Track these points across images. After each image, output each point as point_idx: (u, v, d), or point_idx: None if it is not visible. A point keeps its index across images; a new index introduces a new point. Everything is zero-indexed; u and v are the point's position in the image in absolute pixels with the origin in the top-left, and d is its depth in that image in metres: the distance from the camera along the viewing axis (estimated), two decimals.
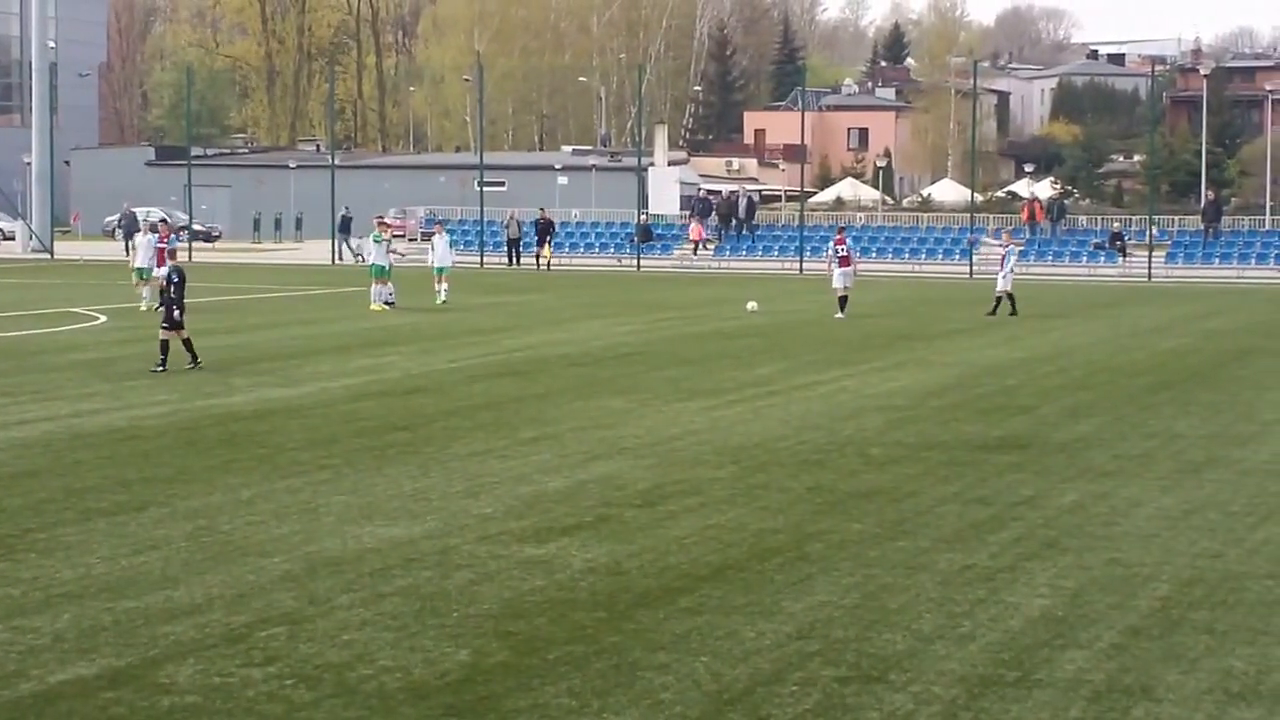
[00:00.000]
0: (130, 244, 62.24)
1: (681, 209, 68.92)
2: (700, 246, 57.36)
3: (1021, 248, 36.17)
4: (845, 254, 33.20)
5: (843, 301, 32.57)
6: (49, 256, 62.03)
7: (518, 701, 8.00)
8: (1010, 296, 32.88)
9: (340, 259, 58.80)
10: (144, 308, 31.53)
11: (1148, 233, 54.44)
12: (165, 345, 21.66)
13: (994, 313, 32.56)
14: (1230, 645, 9.01)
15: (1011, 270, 33.51)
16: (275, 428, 16.85)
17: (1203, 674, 8.50)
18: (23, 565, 10.72)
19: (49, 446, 15.58)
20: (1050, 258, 55.21)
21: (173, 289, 21.74)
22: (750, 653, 8.81)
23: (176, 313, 21.68)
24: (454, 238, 62.01)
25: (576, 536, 11.66)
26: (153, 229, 35.52)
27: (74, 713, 7.83)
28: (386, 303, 34.68)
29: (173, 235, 34.85)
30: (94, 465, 14.53)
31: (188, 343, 21.86)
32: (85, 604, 9.72)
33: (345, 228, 61.77)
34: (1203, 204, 59.30)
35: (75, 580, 10.32)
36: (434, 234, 39.56)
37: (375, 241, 35.46)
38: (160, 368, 21.49)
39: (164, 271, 32.61)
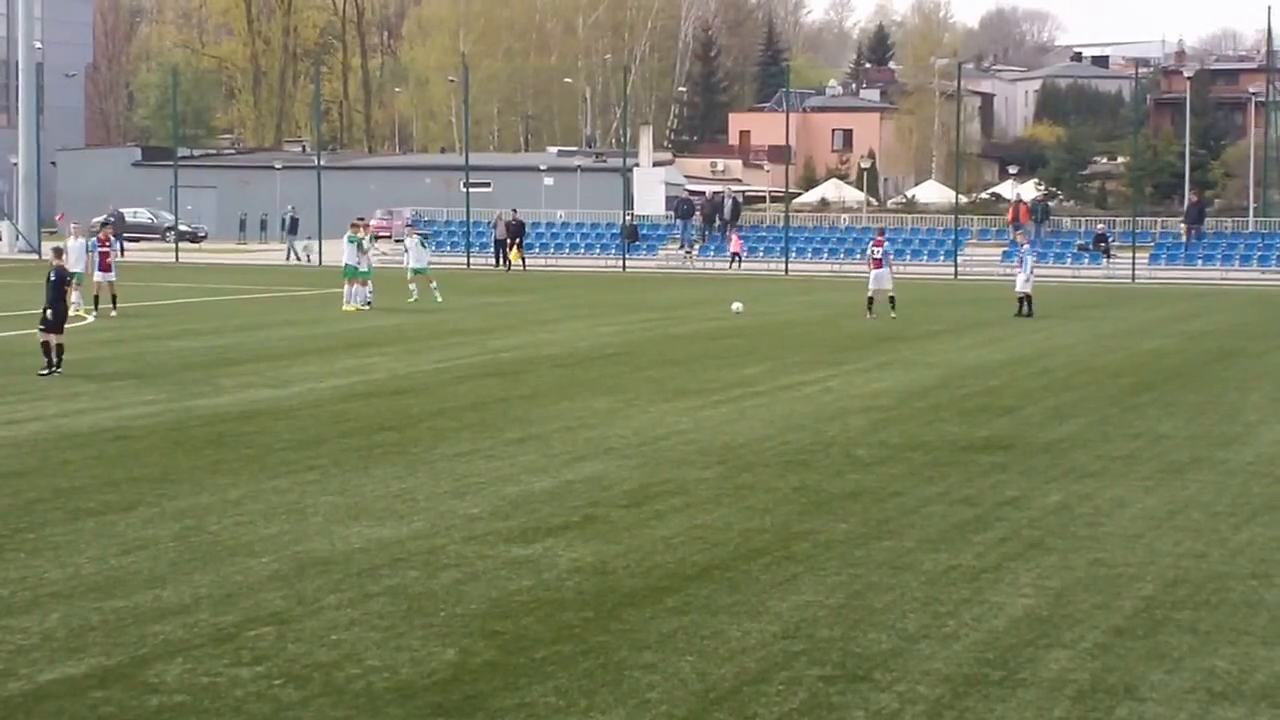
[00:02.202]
0: (118, 245, 62.63)
1: (667, 209, 68.96)
2: (737, 260, 55.48)
3: (1028, 245, 36.18)
4: (879, 256, 33.17)
5: (870, 302, 32.37)
6: (36, 257, 61.90)
7: (504, 700, 8.04)
8: (1028, 298, 33.01)
9: (309, 260, 58.89)
10: (76, 311, 29.63)
11: (1128, 235, 54.60)
12: (47, 347, 21.34)
13: (1026, 313, 32.63)
14: (1213, 645, 9.08)
15: (1032, 271, 33.62)
16: (263, 428, 16.86)
17: (1186, 674, 8.56)
18: (11, 565, 10.74)
19: (37, 446, 15.59)
20: (1034, 259, 55.28)
21: (52, 290, 21.37)
22: (736, 652, 8.86)
23: (50, 314, 21.31)
24: (440, 239, 62.57)
25: (563, 536, 11.70)
26: (92, 232, 35.19)
27: (63, 712, 7.85)
28: (365, 303, 34.73)
29: (112, 240, 34.38)
30: (82, 465, 14.54)
31: (59, 348, 21.40)
32: (74, 603, 9.74)
33: (293, 228, 62.62)
34: (1186, 206, 59.56)
35: (64, 580, 10.33)
36: (406, 237, 39.90)
37: (349, 242, 35.51)
38: (47, 371, 21.14)
39: (110, 276, 32.45)
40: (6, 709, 7.91)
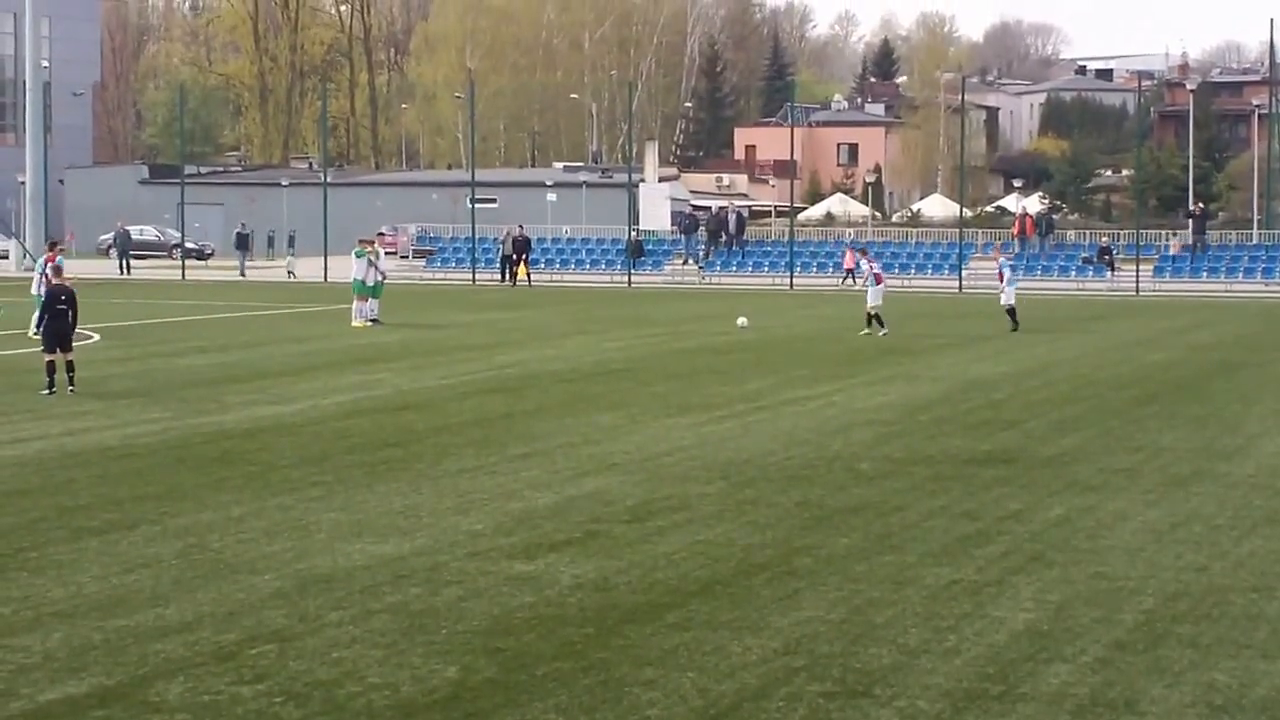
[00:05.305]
0: (124, 262, 62.97)
1: (672, 225, 69.05)
2: (850, 276, 52.69)
3: (1009, 260, 35.85)
4: (880, 271, 32.93)
5: (870, 318, 31.72)
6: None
7: (505, 718, 8.05)
8: (1011, 311, 32.81)
9: (292, 276, 60.00)
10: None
11: (1132, 248, 54.53)
12: (52, 366, 21.28)
13: (1016, 328, 32.48)
14: (1214, 659, 9.08)
15: (1010, 284, 33.35)
16: (267, 445, 16.90)
17: (1186, 687, 8.56)
18: (14, 584, 10.77)
19: (42, 465, 15.63)
20: (1039, 272, 55.39)
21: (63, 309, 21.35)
22: (737, 668, 8.87)
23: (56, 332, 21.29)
24: (445, 255, 62.87)
25: (565, 552, 11.72)
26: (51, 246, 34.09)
27: None
28: (371, 320, 34.80)
29: (59, 258, 33.35)
30: (86, 484, 14.57)
31: (70, 364, 21.40)
32: (76, 622, 9.77)
33: (242, 244, 64.05)
34: (1191, 217, 59.50)
35: (66, 599, 10.36)
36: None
37: (357, 257, 35.70)
38: (49, 390, 21.13)
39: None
40: None
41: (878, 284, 32.30)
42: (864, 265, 33.61)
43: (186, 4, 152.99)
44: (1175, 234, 61.74)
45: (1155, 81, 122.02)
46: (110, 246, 71.85)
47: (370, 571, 11.10)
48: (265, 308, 42.36)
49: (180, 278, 58.94)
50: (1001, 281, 33.28)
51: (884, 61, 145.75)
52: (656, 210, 73.78)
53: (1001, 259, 34.63)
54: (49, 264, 31.14)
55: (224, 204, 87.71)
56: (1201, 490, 14.34)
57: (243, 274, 62.06)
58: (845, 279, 53.64)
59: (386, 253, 40.99)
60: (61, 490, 14.24)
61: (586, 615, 9.96)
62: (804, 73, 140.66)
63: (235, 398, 21.11)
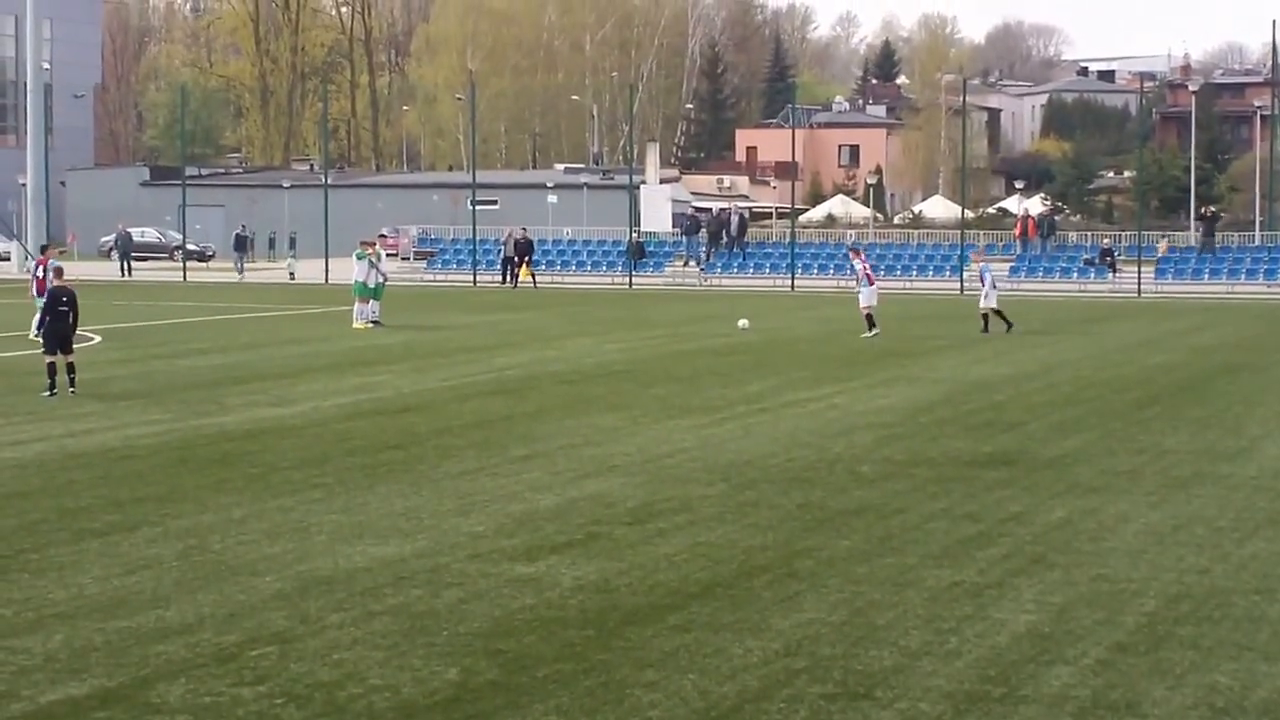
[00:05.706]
0: (125, 264, 63.03)
1: (673, 226, 69.10)
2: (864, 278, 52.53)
3: (989, 265, 35.59)
4: (871, 271, 32.90)
5: (869, 321, 31.69)
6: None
7: None
8: (998, 313, 32.75)
9: (292, 277, 60.47)
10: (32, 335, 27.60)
11: (1134, 249, 54.52)
12: (53, 368, 21.27)
13: (986, 329, 32.55)
14: (1216, 661, 9.06)
15: (993, 287, 33.27)
16: (267, 447, 16.90)
17: (1188, 689, 8.55)
18: (15, 585, 10.76)
19: (43, 467, 15.63)
20: (1041, 274, 55.44)
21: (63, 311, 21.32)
22: (738, 670, 8.86)
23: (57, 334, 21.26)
24: (446, 257, 63.05)
25: (566, 554, 11.72)
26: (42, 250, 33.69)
27: None
28: (372, 321, 34.79)
29: (52, 260, 32.97)
30: (87, 485, 14.57)
31: (70, 366, 21.40)
32: (77, 624, 9.76)
33: (240, 245, 65.07)
34: (1202, 219, 59.54)
35: (67, 600, 10.36)
36: None
37: (358, 259, 35.71)
38: (50, 392, 21.10)
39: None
40: None
41: (870, 284, 32.33)
42: (856, 265, 33.47)
43: (187, 6, 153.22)
44: (1165, 235, 61.76)
45: (1157, 83, 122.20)
46: (111, 248, 71.90)
47: (371, 573, 11.09)
48: (266, 309, 42.38)
49: (181, 279, 58.98)
50: (984, 285, 33.10)
51: (885, 63, 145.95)
52: (658, 212, 73.81)
53: (982, 264, 34.41)
54: (40, 266, 31.12)
55: (225, 206, 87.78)
56: (1203, 492, 14.32)
57: (240, 275, 62.20)
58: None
59: (387, 254, 41.01)
60: (62, 492, 14.23)
61: (587, 617, 9.95)
62: (805, 74, 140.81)
63: (236, 399, 21.11)
